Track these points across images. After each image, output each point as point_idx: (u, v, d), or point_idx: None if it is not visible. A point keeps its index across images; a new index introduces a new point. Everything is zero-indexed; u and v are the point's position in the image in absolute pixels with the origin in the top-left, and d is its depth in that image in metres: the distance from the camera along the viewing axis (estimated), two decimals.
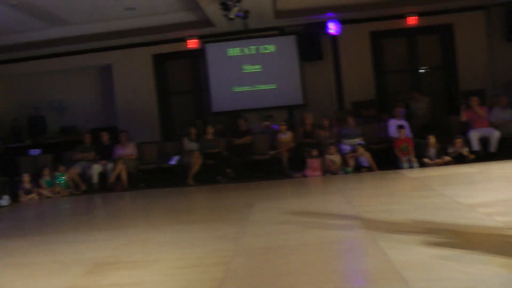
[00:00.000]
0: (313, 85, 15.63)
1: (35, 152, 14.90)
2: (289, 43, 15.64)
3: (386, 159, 12.79)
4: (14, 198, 12.56)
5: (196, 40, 15.65)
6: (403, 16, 14.93)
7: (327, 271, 4.76)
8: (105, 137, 13.84)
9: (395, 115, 13.03)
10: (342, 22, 14.91)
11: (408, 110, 14.01)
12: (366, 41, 15.52)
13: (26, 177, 12.75)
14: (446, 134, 12.88)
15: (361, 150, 12.08)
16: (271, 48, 15.69)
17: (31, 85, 17.25)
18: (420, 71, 16.02)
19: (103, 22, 14.56)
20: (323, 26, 14.90)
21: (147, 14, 14.28)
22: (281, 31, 15.84)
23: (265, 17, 14.42)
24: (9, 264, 6.37)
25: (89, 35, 15.21)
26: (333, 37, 15.36)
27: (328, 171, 12.07)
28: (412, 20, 14.92)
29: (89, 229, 7.99)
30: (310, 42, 15.30)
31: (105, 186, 12.99)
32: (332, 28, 14.78)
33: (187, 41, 15.65)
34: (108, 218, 9.48)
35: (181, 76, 16.77)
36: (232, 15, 11.99)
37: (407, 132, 12.38)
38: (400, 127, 12.30)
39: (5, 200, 12.20)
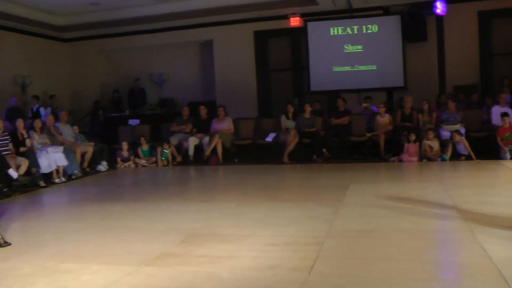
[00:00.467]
0: (415, 67, 15.24)
1: (134, 122, 15.43)
2: (393, 23, 15.30)
3: (487, 148, 12.31)
4: (112, 165, 13.11)
5: (299, 18, 15.58)
6: None
7: (421, 260, 4.65)
8: (203, 111, 14.05)
9: (500, 101, 12.48)
10: (449, 1, 14.38)
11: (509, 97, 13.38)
12: (474, 22, 14.87)
13: (124, 145, 13.28)
14: None
15: (457, 137, 11.63)
16: (374, 28, 15.42)
17: (133, 58, 17.87)
18: None
19: None
20: (430, 5, 14.41)
21: None
22: (385, 11, 15.50)
23: None
24: (108, 226, 6.70)
25: (192, 11, 15.48)
26: (439, 17, 14.84)
27: (425, 157, 11.77)
28: None
29: (184, 200, 8.21)
30: (414, 22, 14.88)
31: (200, 159, 13.21)
32: (439, 7, 14.28)
33: (290, 18, 15.61)
34: (202, 190, 9.68)
35: (281, 54, 16.77)
36: None
37: (511, 120, 11.83)
38: (504, 114, 11.73)
39: (103, 166, 12.76)
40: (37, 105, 15.00)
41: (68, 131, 12.65)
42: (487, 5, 14.62)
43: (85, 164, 12.40)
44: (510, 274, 4.12)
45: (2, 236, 6.01)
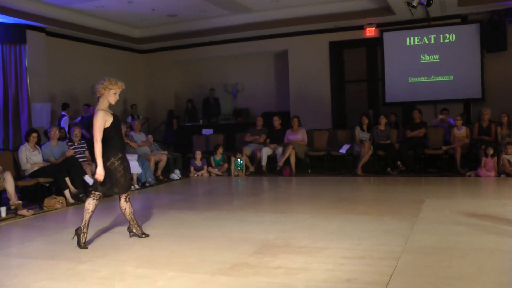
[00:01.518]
0: (494, 78, 14.88)
1: (208, 131, 15.61)
2: (471, 32, 15.00)
3: None
4: (185, 174, 13.34)
5: (374, 28, 15.51)
6: None
7: (502, 282, 4.53)
8: (276, 121, 14.10)
9: None
10: None
11: None
12: None
13: (198, 155, 13.47)
14: None
15: None
16: (451, 37, 15.15)
17: (208, 69, 18.25)
18: None
19: (281, 9, 14.98)
20: (510, 13, 14.07)
21: (327, 2, 14.40)
22: (464, 19, 15.22)
23: (448, 4, 13.96)
24: (182, 234, 6.83)
25: (268, 22, 15.68)
26: None
27: (503, 172, 11.44)
28: None
29: (257, 210, 8.25)
30: (494, 31, 14.53)
31: (274, 169, 13.28)
32: None
33: (366, 29, 15.57)
34: (276, 201, 9.70)
35: (356, 64, 16.72)
36: (415, 3, 11.69)
37: None
38: None
39: (177, 174, 13.01)
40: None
41: (142, 140, 12.93)
42: None
43: (159, 172, 12.68)
44: None
45: (140, 228, 6.66)
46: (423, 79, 15.37)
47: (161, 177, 12.67)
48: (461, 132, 12.57)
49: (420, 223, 6.88)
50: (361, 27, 15.57)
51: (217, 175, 13.31)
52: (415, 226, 6.70)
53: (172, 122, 16.79)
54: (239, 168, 13.21)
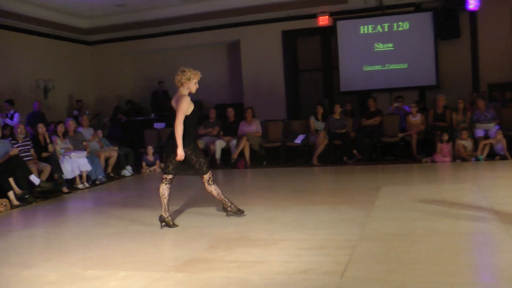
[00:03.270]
0: (448, 65, 15.02)
1: (159, 125, 15.35)
2: (425, 20, 15.10)
3: None
4: (137, 170, 13.07)
5: (327, 17, 15.44)
6: None
7: (458, 263, 4.55)
8: (230, 113, 13.97)
9: None
10: None
11: None
12: (508, 17, 14.63)
13: (150, 150, 13.23)
14: None
15: (499, 136, 11.38)
16: (405, 25, 15.22)
17: (159, 60, 17.89)
18: None
19: None
20: (462, 1, 14.19)
21: None
22: (417, 7, 15.32)
23: None
24: (135, 231, 6.65)
25: (218, 11, 15.46)
26: (472, 13, 14.61)
27: (458, 157, 11.55)
28: None
29: (212, 204, 8.04)
30: (447, 19, 14.66)
31: (228, 162, 13.15)
32: (472, 3, 14.03)
33: (318, 17, 15.48)
34: (231, 194, 9.32)
35: (310, 54, 16.67)
36: None
37: None
38: None
39: (128, 171, 12.74)
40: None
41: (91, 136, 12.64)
42: None
43: (109, 169, 12.38)
44: None
45: (234, 205, 7.07)
46: (378, 67, 15.41)
47: (112, 174, 12.36)
48: (416, 119, 12.66)
49: (377, 211, 6.88)
50: (314, 16, 15.48)
51: None
52: (372, 213, 6.70)
53: (117, 117, 16.39)
54: None
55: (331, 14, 15.45)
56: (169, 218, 6.68)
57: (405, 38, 15.20)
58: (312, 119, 13.21)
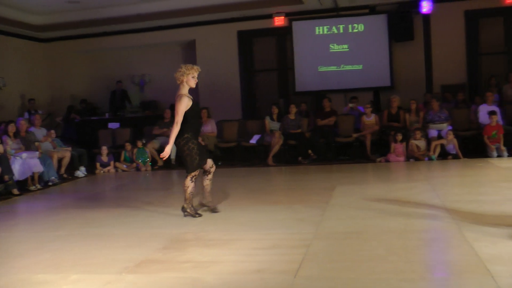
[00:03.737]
0: (402, 67, 15.17)
1: (114, 125, 15.16)
2: (379, 22, 15.21)
3: (475, 146, 12.32)
4: (91, 170, 12.87)
5: (283, 17, 15.44)
6: None
7: (410, 260, 4.62)
8: None
9: (487, 100, 12.46)
10: (436, 0, 14.36)
11: (501, 95, 13.37)
12: (460, 21, 14.84)
13: (104, 150, 13.03)
14: None
15: (450, 136, 11.62)
16: (360, 27, 15.32)
17: (114, 60, 17.60)
18: None
19: None
20: (416, 4, 14.41)
21: None
22: (372, 10, 15.42)
23: None
24: (88, 233, 6.52)
25: (174, 11, 15.27)
26: (426, 17, 14.82)
27: (412, 157, 11.73)
28: None
29: (167, 205, 8.03)
30: (401, 21, 14.77)
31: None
32: (425, 6, 14.27)
33: (274, 18, 15.45)
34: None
35: (266, 54, 16.64)
36: None
37: (498, 118, 11.81)
38: (492, 113, 11.74)
39: (82, 172, 12.52)
40: None
41: (43, 136, 12.38)
42: (473, 5, 14.61)
43: (62, 170, 12.12)
44: (497, 270, 4.17)
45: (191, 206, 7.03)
46: (333, 68, 15.49)
47: (65, 175, 12.11)
48: (370, 119, 12.80)
49: (331, 210, 6.92)
50: (270, 16, 15.45)
51: (124, 170, 12.93)
52: (326, 212, 6.73)
53: (70, 117, 16.11)
54: (140, 160, 12.89)
55: (287, 14, 15.45)
56: (192, 208, 6.97)
57: (360, 39, 15.29)
58: (267, 119, 13.22)
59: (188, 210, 6.96)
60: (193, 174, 6.89)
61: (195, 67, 6.79)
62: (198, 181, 7.02)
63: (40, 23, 16.33)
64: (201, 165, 6.96)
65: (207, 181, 7.15)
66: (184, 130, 6.75)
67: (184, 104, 6.65)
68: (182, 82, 6.76)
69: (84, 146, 13.68)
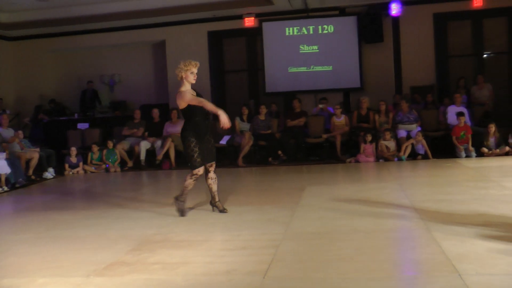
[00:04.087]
0: (371, 68, 15.27)
1: (83, 126, 15.01)
2: (349, 24, 15.29)
3: (444, 147, 12.48)
4: (60, 172, 12.72)
5: (253, 18, 15.45)
6: None
7: (379, 259, 4.63)
8: (155, 113, 13.83)
9: (455, 101, 12.62)
10: (405, 3, 14.52)
11: (469, 97, 13.56)
12: (429, 24, 15.02)
13: (73, 151, 12.89)
14: (508, 124, 12.42)
15: (419, 137, 11.73)
16: (330, 28, 15.38)
17: (84, 59, 17.38)
18: (484, 56, 15.42)
19: None
20: (385, 7, 14.54)
21: None
22: (342, 12, 15.51)
23: None
24: (56, 236, 6.41)
25: (144, 10, 15.16)
26: (395, 19, 14.96)
27: (381, 157, 11.82)
28: (478, 2, 14.37)
29: (136, 206, 7.98)
30: (370, 23, 14.89)
31: (153, 163, 12.99)
32: (395, 9, 14.40)
33: (244, 18, 15.46)
34: (155, 196, 9.47)
35: (236, 55, 16.63)
36: None
37: (467, 119, 11.97)
38: (460, 114, 11.89)
39: (51, 173, 12.36)
40: None
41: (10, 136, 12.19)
42: (442, 8, 14.81)
43: (30, 172, 11.94)
44: (464, 268, 4.21)
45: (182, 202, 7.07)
46: (303, 69, 15.52)
47: (33, 177, 11.93)
48: (340, 120, 12.88)
49: (301, 210, 6.93)
50: (240, 17, 15.45)
51: (93, 172, 12.80)
52: (296, 213, 6.74)
53: (38, 117, 15.88)
54: (110, 160, 12.78)
55: (257, 15, 15.45)
56: (219, 203, 7.08)
57: (330, 40, 15.35)
58: (237, 120, 13.21)
59: (176, 205, 7.04)
60: (194, 172, 6.83)
61: (193, 62, 6.73)
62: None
63: (8, 21, 16.05)
64: (203, 164, 6.88)
65: (209, 180, 7.04)
66: (188, 128, 6.74)
67: (187, 95, 6.61)
68: (181, 79, 6.73)
69: (53, 147, 13.50)
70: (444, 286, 3.92)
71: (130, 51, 17.09)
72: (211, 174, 7.02)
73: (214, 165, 7.04)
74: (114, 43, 16.80)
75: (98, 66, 17.20)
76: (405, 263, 4.68)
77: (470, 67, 15.32)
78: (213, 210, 7.12)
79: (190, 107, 6.66)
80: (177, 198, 7.04)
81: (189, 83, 6.74)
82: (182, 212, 6.98)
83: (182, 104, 6.71)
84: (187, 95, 6.62)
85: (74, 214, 7.71)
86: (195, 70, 6.74)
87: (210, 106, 6.58)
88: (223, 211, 7.04)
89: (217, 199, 7.11)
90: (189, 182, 6.93)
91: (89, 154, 12.99)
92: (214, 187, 7.06)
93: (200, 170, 6.84)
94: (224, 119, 6.53)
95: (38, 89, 17.38)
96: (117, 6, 14.96)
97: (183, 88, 6.70)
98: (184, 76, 6.70)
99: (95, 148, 12.94)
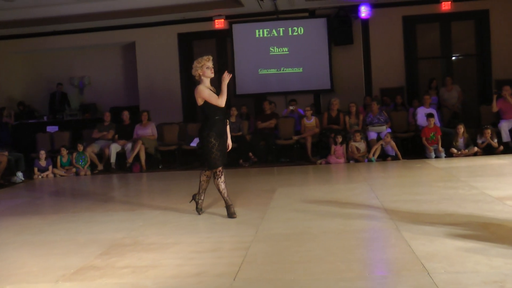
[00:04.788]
0: (341, 70, 15.35)
1: (52, 129, 14.84)
2: (319, 26, 15.36)
3: (413, 148, 12.61)
4: (29, 175, 12.54)
5: (223, 20, 15.47)
6: (437, 1, 14.64)
7: (349, 260, 4.66)
8: (125, 116, 13.70)
9: (424, 103, 12.74)
10: (374, 6, 14.66)
11: (438, 98, 13.71)
12: (398, 26, 15.18)
13: (42, 154, 12.69)
14: (476, 124, 12.59)
15: (388, 138, 11.82)
16: (300, 30, 15.43)
17: (53, 61, 17.16)
18: (452, 58, 15.62)
19: None
20: (355, 9, 14.65)
21: None
22: (312, 14, 15.57)
23: None
24: (24, 241, 6.31)
25: (113, 12, 14.99)
26: (365, 21, 15.09)
27: (352, 159, 11.88)
28: (446, 5, 14.61)
29: (106, 210, 7.93)
30: (340, 25, 14.98)
31: (123, 166, 12.90)
32: (364, 11, 14.52)
33: (214, 20, 15.48)
34: (125, 199, 9.34)
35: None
36: None
37: (436, 121, 12.09)
38: (430, 115, 12.01)
39: (19, 177, 12.17)
40: None
41: None
42: (411, 11, 15.00)
43: None
44: (432, 267, 4.27)
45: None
46: (273, 71, 15.53)
47: (1, 181, 11.76)
48: (310, 122, 12.92)
49: (271, 212, 6.93)
50: (210, 19, 15.46)
51: (62, 175, 12.65)
52: (266, 215, 6.75)
53: (3, 120, 15.64)
54: (80, 163, 12.65)
55: (227, 17, 15.47)
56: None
57: (300, 42, 15.40)
58: None
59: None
60: (214, 171, 6.77)
61: (206, 57, 6.66)
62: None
63: None
64: (222, 164, 6.80)
65: (204, 177, 7.01)
66: (208, 127, 6.66)
67: (206, 91, 6.57)
68: (199, 77, 6.66)
69: (22, 150, 13.30)
70: (413, 284, 3.95)
71: (100, 53, 16.96)
72: (209, 173, 6.99)
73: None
74: (84, 44, 16.64)
75: (67, 68, 17.02)
76: (375, 263, 4.70)
77: (438, 69, 15.54)
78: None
79: (208, 104, 6.61)
80: (227, 208, 6.84)
81: (207, 78, 6.68)
82: (231, 215, 6.75)
83: (199, 101, 6.65)
84: (204, 91, 6.57)
85: (43, 219, 7.59)
86: (210, 64, 6.67)
87: (224, 97, 6.65)
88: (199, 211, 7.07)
89: (202, 197, 7.17)
90: (217, 183, 6.80)
91: (58, 158, 12.83)
92: (205, 185, 7.08)
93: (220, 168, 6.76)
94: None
95: (6, 92, 17.12)
96: (86, 7, 14.75)
97: (201, 85, 6.63)
98: (201, 73, 6.63)
99: (64, 152, 12.79)
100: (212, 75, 6.68)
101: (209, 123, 6.66)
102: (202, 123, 6.79)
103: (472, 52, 15.49)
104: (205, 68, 6.61)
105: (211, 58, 6.70)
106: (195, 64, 6.64)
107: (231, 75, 6.74)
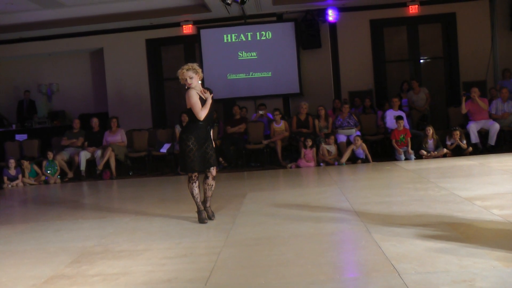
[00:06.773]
0: (310, 74, 15.44)
1: (21, 137, 14.66)
2: (287, 30, 15.43)
3: (383, 150, 12.71)
4: None
5: (191, 26, 15.47)
6: (404, 5, 14.83)
7: (319, 263, 4.66)
8: (94, 123, 13.60)
9: (393, 105, 12.85)
10: (342, 9, 14.78)
11: (407, 101, 13.85)
12: (366, 30, 15.35)
13: (11, 163, 12.51)
14: (445, 126, 12.74)
15: (358, 141, 11.89)
16: (267, 35, 15.47)
17: (20, 68, 16.98)
18: (420, 61, 15.81)
19: (96, 5, 14.26)
20: (323, 13, 14.74)
21: None
22: (279, 18, 15.64)
23: (263, 3, 14.23)
24: None
25: (81, 18, 14.91)
26: (332, 25, 15.19)
27: (323, 161, 11.93)
28: (413, 9, 14.83)
29: (76, 218, 7.82)
30: (308, 29, 15.07)
31: (93, 173, 12.80)
32: (331, 15, 14.62)
33: (182, 26, 15.48)
34: (96, 206, 9.23)
35: (175, 62, 16.51)
36: (229, 0, 11.78)
37: (405, 123, 12.19)
38: (399, 118, 12.11)
39: None
40: None
41: None
42: (378, 14, 15.17)
43: None
44: (403, 268, 4.29)
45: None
46: (242, 75, 15.55)
47: None
48: (280, 126, 12.93)
49: (242, 217, 6.92)
50: (178, 24, 15.45)
51: (32, 184, 12.48)
52: (237, 220, 6.73)
53: None
54: (49, 172, 12.50)
55: (195, 22, 15.46)
56: (209, 208, 6.89)
57: (268, 47, 15.45)
58: (177, 128, 13.10)
59: (198, 215, 6.83)
60: (189, 175, 6.71)
61: (181, 69, 6.58)
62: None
63: None
64: (197, 170, 6.71)
65: (206, 186, 6.88)
66: (188, 131, 6.63)
67: (193, 98, 6.48)
68: (190, 85, 6.57)
69: None
70: (383, 285, 3.97)
71: (68, 60, 16.81)
72: (210, 181, 6.85)
73: (214, 171, 6.86)
74: (51, 51, 16.47)
75: (35, 75, 16.83)
76: (346, 265, 4.72)
77: (407, 72, 15.71)
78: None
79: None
80: (198, 214, 6.80)
81: (194, 86, 6.60)
82: (202, 221, 6.70)
83: (187, 104, 6.61)
84: (192, 98, 6.51)
85: (12, 228, 7.46)
86: (184, 76, 6.54)
87: (204, 112, 6.59)
88: (210, 217, 6.85)
89: (208, 204, 6.90)
90: (190, 187, 6.78)
91: (27, 166, 12.65)
92: (209, 193, 6.89)
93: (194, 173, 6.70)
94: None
95: None
96: (53, 14, 14.61)
97: (191, 90, 6.57)
98: (187, 84, 6.57)
99: (25, 163, 12.61)
100: (193, 84, 6.57)
101: (190, 127, 6.65)
102: (186, 124, 6.82)
103: (440, 54, 15.70)
104: (183, 81, 6.59)
105: (185, 68, 6.57)
106: (178, 75, 6.60)
107: (212, 95, 6.77)
